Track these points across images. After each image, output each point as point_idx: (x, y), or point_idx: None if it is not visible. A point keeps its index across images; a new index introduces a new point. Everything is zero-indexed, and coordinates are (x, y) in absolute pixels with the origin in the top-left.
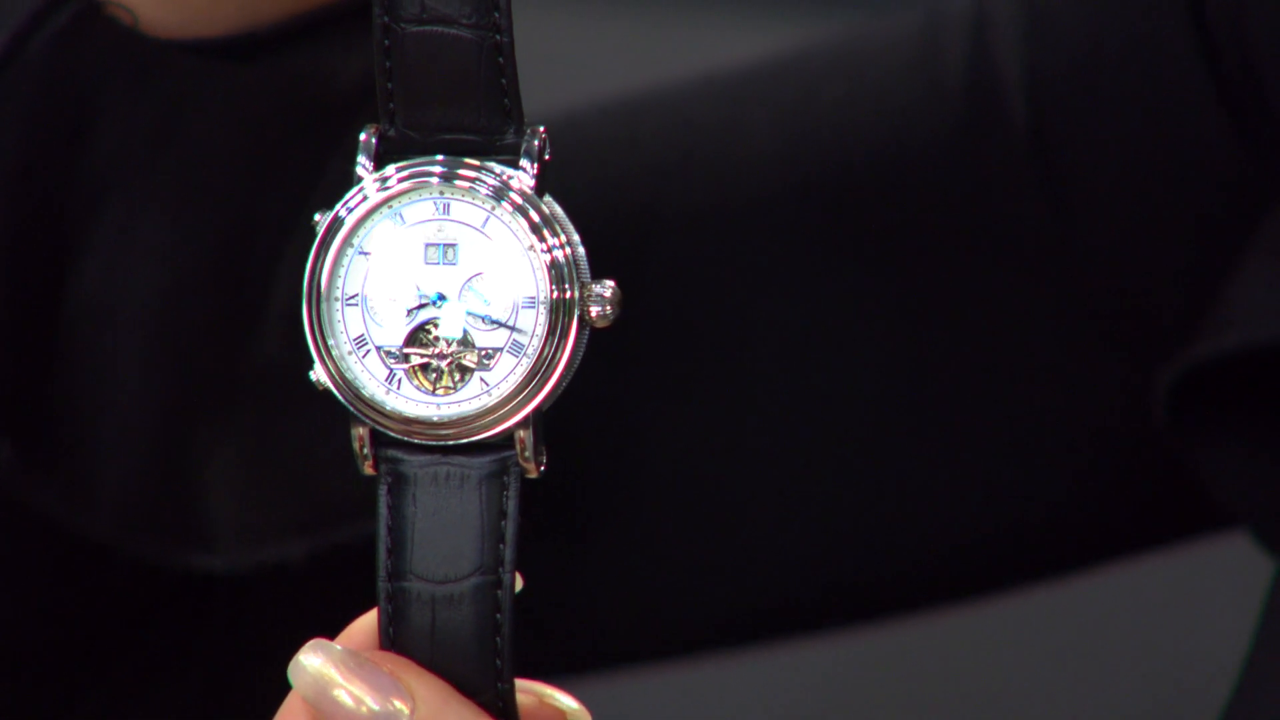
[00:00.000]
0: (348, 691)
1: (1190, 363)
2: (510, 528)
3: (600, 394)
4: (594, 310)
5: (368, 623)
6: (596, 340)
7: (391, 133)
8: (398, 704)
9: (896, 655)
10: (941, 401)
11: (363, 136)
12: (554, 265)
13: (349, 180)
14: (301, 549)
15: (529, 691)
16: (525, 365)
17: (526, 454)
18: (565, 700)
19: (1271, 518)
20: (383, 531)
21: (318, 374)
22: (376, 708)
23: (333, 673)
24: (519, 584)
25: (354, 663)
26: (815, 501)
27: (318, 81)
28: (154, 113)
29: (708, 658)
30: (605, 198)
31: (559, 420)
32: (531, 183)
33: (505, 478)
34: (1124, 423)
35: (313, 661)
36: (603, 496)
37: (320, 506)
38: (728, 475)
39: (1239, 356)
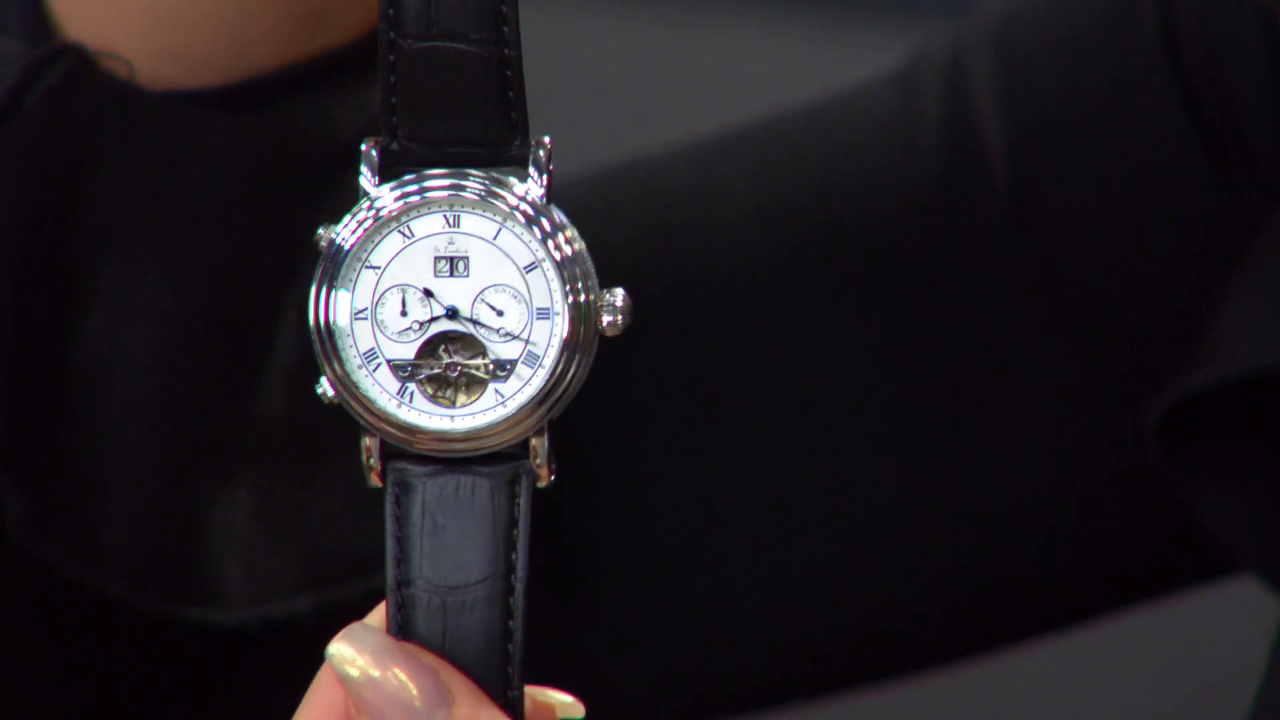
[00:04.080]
0: (387, 680)
1: (1179, 395)
2: (522, 534)
3: (590, 457)
4: (605, 319)
5: (376, 621)
6: (589, 405)
7: (394, 146)
8: (440, 697)
9: (899, 714)
10: (934, 453)
11: (364, 148)
12: (568, 276)
13: (355, 194)
14: (309, 603)
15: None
16: (541, 376)
17: (539, 461)
18: (558, 696)
19: (1264, 547)
20: (390, 542)
21: (324, 387)
22: (421, 698)
23: (372, 662)
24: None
25: (398, 653)
26: (812, 558)
27: (316, 130)
28: (152, 164)
29: None
30: None
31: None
32: (541, 193)
33: (516, 485)
34: (1117, 466)
35: (355, 647)
36: (597, 559)
37: (328, 560)
38: (720, 535)
39: (1227, 387)
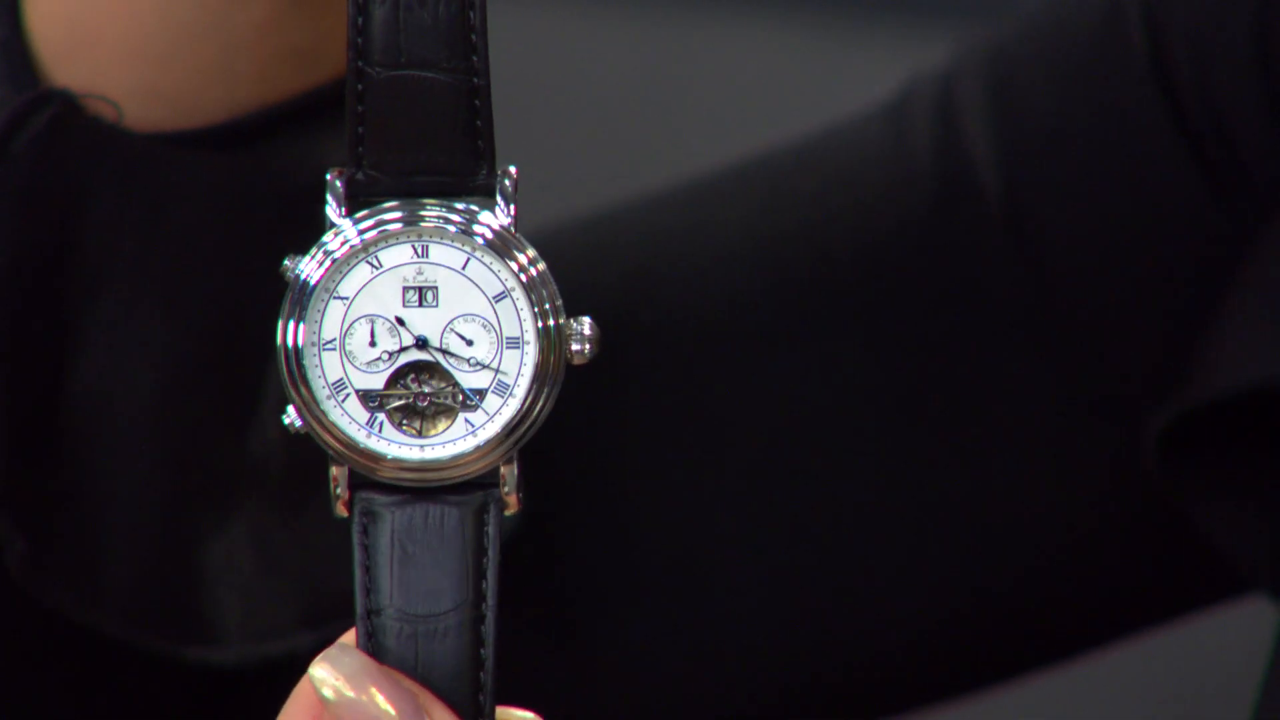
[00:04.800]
0: (367, 702)
1: (1179, 409)
2: (491, 562)
3: (585, 492)
4: (573, 347)
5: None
6: (580, 442)
7: (360, 176)
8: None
9: None
10: (931, 478)
11: (329, 178)
12: (537, 305)
13: (321, 225)
14: (309, 641)
15: None
16: (512, 405)
17: (507, 488)
18: (520, 714)
19: (1266, 558)
20: (358, 571)
21: (291, 417)
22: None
23: (351, 684)
24: None
25: (379, 676)
26: (809, 587)
27: (305, 167)
28: (141, 205)
29: None
30: (580, 308)
31: (545, 521)
32: (509, 222)
33: (485, 514)
34: (1117, 485)
35: (336, 669)
36: (591, 589)
37: (327, 597)
38: (715, 565)
39: (1227, 400)
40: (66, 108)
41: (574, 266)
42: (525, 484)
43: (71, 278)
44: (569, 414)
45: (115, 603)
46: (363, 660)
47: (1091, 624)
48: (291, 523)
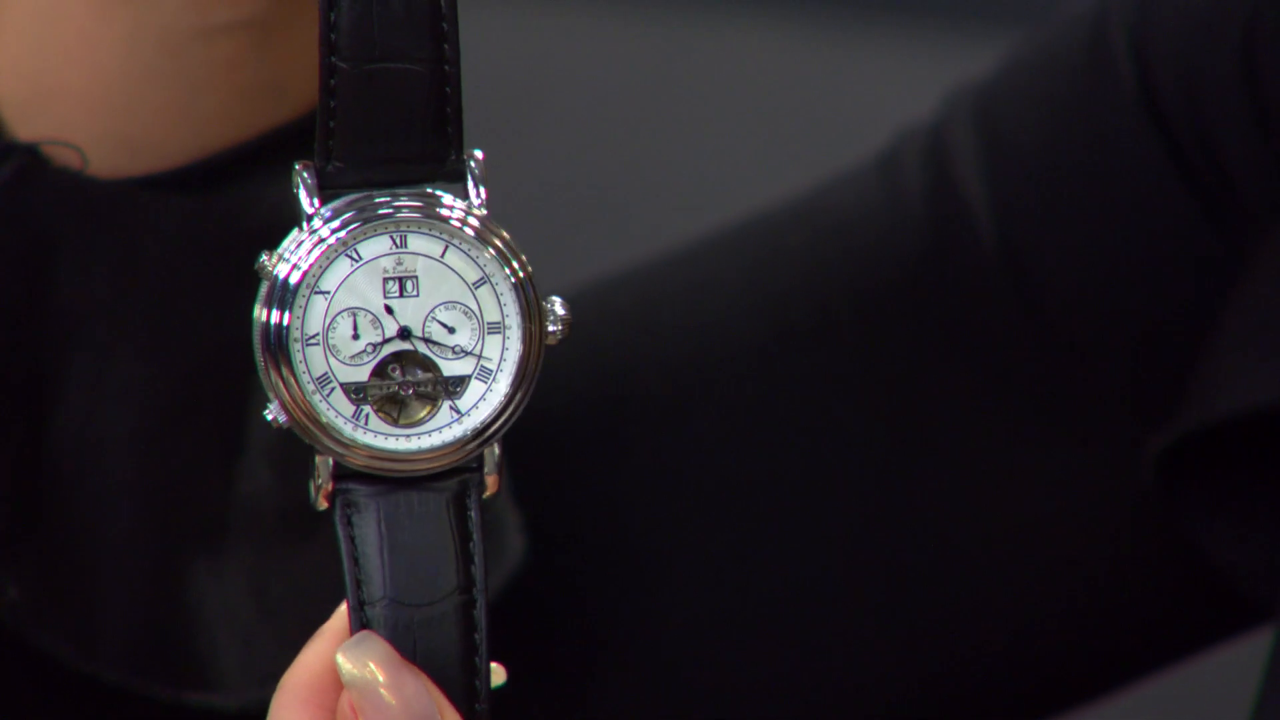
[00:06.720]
0: (394, 696)
1: (1178, 431)
2: (478, 547)
3: (588, 548)
4: (549, 329)
5: (339, 627)
6: (591, 495)
7: (330, 168)
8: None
9: None
10: (936, 524)
11: (297, 168)
12: (518, 288)
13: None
14: None
15: None
16: (497, 390)
17: (488, 469)
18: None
19: (1267, 580)
20: (348, 563)
21: (275, 413)
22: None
23: (380, 675)
24: (502, 676)
25: (411, 674)
26: (811, 635)
27: (277, 204)
28: (113, 251)
29: None
30: (582, 369)
31: (563, 578)
32: (482, 208)
33: (467, 499)
34: (1123, 520)
35: (369, 655)
36: (607, 640)
37: None
38: (715, 621)
39: (1226, 423)
40: (31, 159)
41: (579, 330)
42: (530, 529)
43: (47, 327)
44: (575, 467)
45: (111, 649)
46: (390, 650)
47: (1101, 664)
48: (289, 565)
